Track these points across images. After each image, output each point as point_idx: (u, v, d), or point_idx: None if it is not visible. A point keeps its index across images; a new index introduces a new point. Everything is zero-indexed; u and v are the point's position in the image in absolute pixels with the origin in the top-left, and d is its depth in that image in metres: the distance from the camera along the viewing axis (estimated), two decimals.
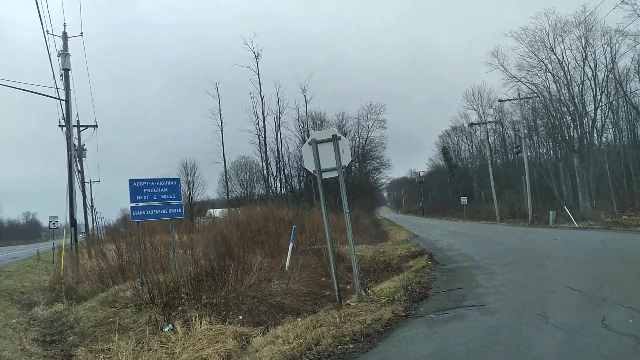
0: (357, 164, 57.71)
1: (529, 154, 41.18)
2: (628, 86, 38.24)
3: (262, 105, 48.43)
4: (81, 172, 32.34)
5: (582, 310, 6.48)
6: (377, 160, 61.49)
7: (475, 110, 60.65)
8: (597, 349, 4.83)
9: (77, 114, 32.92)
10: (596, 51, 38.08)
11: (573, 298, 7.35)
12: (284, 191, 51.92)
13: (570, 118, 40.60)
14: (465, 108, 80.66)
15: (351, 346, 5.76)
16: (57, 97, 20.32)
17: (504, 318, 6.45)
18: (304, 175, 50.48)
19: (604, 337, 5.16)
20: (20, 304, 12.99)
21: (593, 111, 39.04)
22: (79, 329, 9.53)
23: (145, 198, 12.64)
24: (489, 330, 5.90)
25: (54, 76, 20.46)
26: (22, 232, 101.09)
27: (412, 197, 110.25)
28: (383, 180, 72.17)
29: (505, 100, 42.50)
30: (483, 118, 57.26)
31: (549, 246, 15.89)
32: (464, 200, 51.24)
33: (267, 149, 49.39)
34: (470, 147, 72.33)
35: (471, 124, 60.89)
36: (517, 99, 37.99)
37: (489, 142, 56.84)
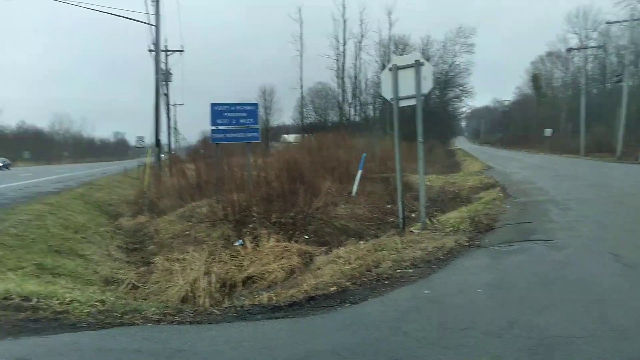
0: (437, 91, 55.41)
1: (631, 83, 37.38)
2: None
3: (344, 28, 47.28)
4: (167, 95, 33.72)
5: None
6: (460, 88, 58.50)
7: (577, 33, 55.22)
8: None
9: (166, 39, 33.92)
10: None
11: None
12: (357, 119, 51.51)
13: None
14: (565, 32, 73.38)
15: (410, 271, 5.87)
16: (148, 22, 20.95)
17: (571, 254, 6.24)
18: (380, 102, 49.54)
19: None
20: (108, 214, 14.28)
21: None
22: (158, 239, 10.41)
23: (225, 122, 13.15)
24: (554, 265, 5.76)
25: (145, 1, 21.00)
26: (112, 149, 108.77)
27: (493, 127, 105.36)
28: (463, 109, 69.28)
29: (614, 22, 37.82)
30: (585, 42, 52.18)
31: (634, 184, 14.84)
32: (548, 132, 48.19)
33: (345, 75, 48.69)
34: (564, 75, 66.84)
35: (569, 49, 55.65)
36: (628, 20, 33.92)
37: (586, 69, 52.16)
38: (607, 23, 40.58)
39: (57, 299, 4.76)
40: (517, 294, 4.79)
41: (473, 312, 4.35)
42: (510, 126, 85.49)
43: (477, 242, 7.24)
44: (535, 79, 73.88)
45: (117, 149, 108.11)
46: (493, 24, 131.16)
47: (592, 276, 5.20)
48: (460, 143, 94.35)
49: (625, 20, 34.58)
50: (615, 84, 41.72)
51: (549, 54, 67.51)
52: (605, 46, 49.24)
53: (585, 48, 50.66)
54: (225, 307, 5.20)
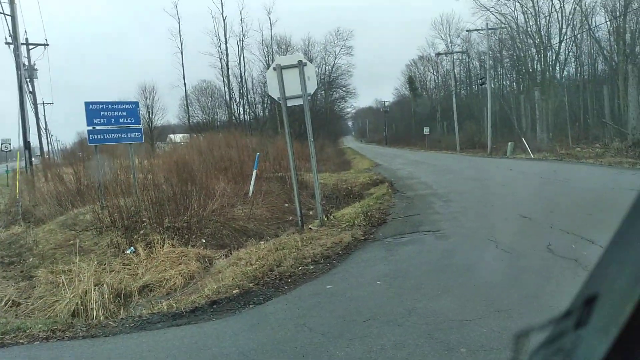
0: (322, 92, 56.80)
1: (492, 85, 41.57)
2: (593, 20, 38.41)
3: (225, 26, 46.55)
4: (33, 93, 30.68)
5: (530, 237, 6.87)
6: (343, 89, 60.69)
7: (443, 39, 59.97)
8: (540, 271, 5.17)
9: (25, 31, 30.78)
10: None
11: (523, 225, 7.75)
12: (247, 118, 51.10)
13: (535, 50, 40.84)
14: (433, 37, 79.67)
15: (311, 267, 5.97)
16: (1, 10, 18.83)
17: (457, 243, 6.78)
18: (268, 102, 49.57)
19: (547, 261, 5.52)
20: None
21: (557, 44, 39.33)
22: (39, 251, 9.47)
23: (102, 122, 12.24)
24: (443, 253, 6.21)
25: None
26: None
27: (377, 126, 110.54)
28: (348, 110, 72.02)
29: (473, 30, 42.07)
30: (450, 48, 56.89)
31: (504, 176, 16.49)
32: (426, 130, 51.72)
33: (230, 73, 48.01)
34: (435, 77, 72.26)
35: (438, 54, 60.37)
36: (484, 29, 37.74)
37: (454, 72, 56.78)
38: (467, 31, 44.77)
39: None
40: (413, 282, 5.09)
41: (374, 303, 4.55)
42: (392, 125, 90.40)
43: (372, 236, 7.58)
44: (410, 81, 78.84)
45: None
46: (368, 28, 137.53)
47: (476, 262, 5.70)
48: (349, 142, 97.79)
49: (482, 29, 38.44)
50: (480, 86, 45.91)
51: (421, 57, 72.60)
52: (468, 51, 54.08)
53: (451, 53, 55.32)
54: (122, 318, 4.87)
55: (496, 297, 4.36)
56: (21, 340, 4.00)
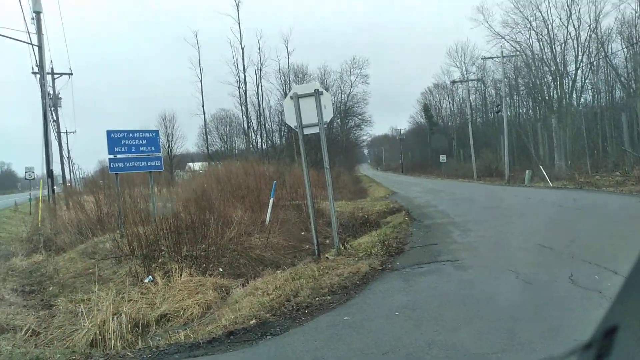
0: (338, 120, 57.34)
1: (508, 113, 41.55)
2: (609, 47, 38.41)
3: (243, 56, 47.49)
4: (57, 121, 31.55)
5: (551, 267, 6.74)
6: (359, 117, 61.16)
7: (458, 67, 60.43)
8: (563, 303, 5.07)
9: (51, 61, 31.79)
10: (581, 9, 38.05)
11: (543, 255, 7.63)
12: (264, 146, 51.64)
13: (551, 78, 40.85)
14: (448, 65, 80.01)
15: (329, 298, 5.93)
16: (30, 41, 19.55)
17: (476, 273, 6.69)
18: (285, 130, 50.12)
19: (570, 292, 5.41)
20: None
21: (574, 71, 39.29)
22: (59, 280, 9.58)
23: (123, 150, 12.49)
24: (462, 284, 6.13)
25: (24, 18, 19.72)
26: None
27: (393, 154, 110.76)
28: (364, 137, 72.20)
29: (488, 58, 42.34)
30: (465, 76, 57.18)
31: (523, 204, 16.31)
32: (443, 158, 51.67)
33: (248, 102, 48.77)
34: (451, 105, 72.45)
35: (453, 82, 60.70)
36: (500, 57, 37.92)
37: (470, 100, 57.04)
38: (482, 58, 45.07)
39: None
40: (432, 314, 5.02)
41: (392, 335, 4.49)
42: (409, 153, 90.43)
43: (389, 266, 7.51)
44: (426, 109, 79.20)
45: (4, 181, 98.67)
46: (382, 56, 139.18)
47: (497, 293, 5.60)
48: (365, 170, 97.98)
49: (497, 57, 38.66)
50: (496, 114, 45.87)
51: (436, 85, 73.05)
52: (483, 79, 54.29)
53: (467, 81, 55.62)
54: (140, 349, 4.88)
55: (518, 330, 4.28)
56: None
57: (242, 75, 47.76)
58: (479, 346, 4.01)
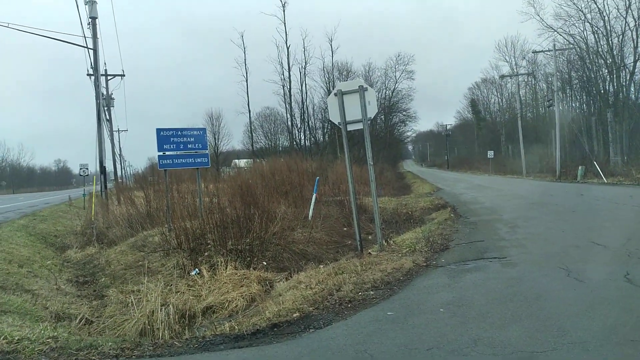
0: (382, 117, 56.79)
1: (561, 107, 39.99)
2: None
3: (288, 55, 47.83)
4: (109, 120, 32.77)
5: (605, 265, 6.46)
6: (404, 113, 60.52)
7: (507, 62, 58.62)
8: (619, 302, 4.83)
9: (105, 63, 33.08)
10: None
11: (596, 252, 7.31)
12: (307, 143, 51.90)
13: (606, 71, 38.93)
14: (497, 59, 77.62)
15: (372, 293, 5.89)
16: (85, 45, 20.43)
17: (524, 270, 6.47)
18: (328, 127, 50.19)
19: (626, 291, 5.16)
20: (54, 246, 13.58)
21: (632, 64, 37.27)
22: (110, 271, 9.97)
23: (172, 147, 12.85)
24: (509, 281, 5.94)
25: (81, 24, 20.61)
26: (54, 178, 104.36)
27: (438, 150, 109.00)
28: (409, 133, 71.36)
29: (539, 52, 40.88)
30: (515, 70, 55.41)
31: (575, 201, 15.67)
32: (490, 154, 50.33)
33: (292, 100, 49.13)
34: (500, 100, 70.37)
35: (502, 76, 59.14)
36: (552, 50, 36.48)
37: (519, 94, 55.10)
38: (533, 52, 43.52)
39: (5, 338, 4.43)
40: (477, 311, 4.89)
41: (437, 331, 4.40)
42: (455, 149, 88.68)
43: (434, 262, 7.39)
44: (473, 104, 77.39)
45: (59, 177, 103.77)
46: (433, 49, 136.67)
47: (547, 291, 5.40)
48: (409, 166, 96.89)
49: (549, 50, 37.18)
50: (547, 109, 44.21)
51: (484, 80, 71.11)
52: (534, 73, 52.40)
53: (516, 75, 53.83)
54: (186, 339, 5.00)
55: (569, 328, 4.11)
56: (93, 357, 4.18)
57: (286, 73, 48.17)
58: (527, 344, 3.87)
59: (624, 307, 4.66)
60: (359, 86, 8.49)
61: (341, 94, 8.53)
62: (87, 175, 28.57)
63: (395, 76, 56.57)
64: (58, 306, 7.10)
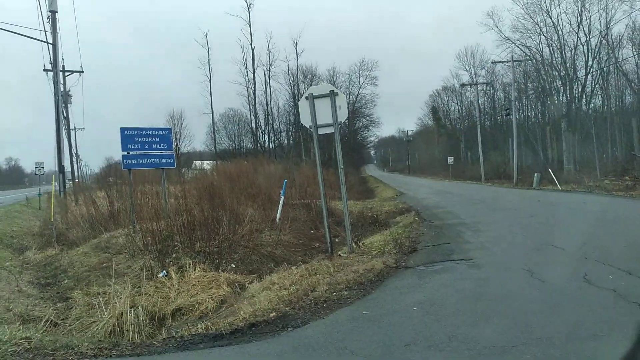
0: (346, 121, 57.23)
1: (517, 116, 41.48)
2: (620, 53, 38.29)
3: (253, 56, 47.72)
4: (67, 118, 31.76)
5: (565, 266, 6.79)
6: (367, 118, 61.29)
7: (467, 71, 60.54)
8: (579, 301, 5.13)
9: (62, 59, 32.05)
10: (591, 16, 37.81)
11: (556, 255, 7.67)
12: (272, 145, 51.79)
13: (560, 82, 40.71)
14: (457, 68, 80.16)
15: (346, 293, 6.01)
16: (45, 40, 19.80)
17: (490, 272, 6.74)
18: (293, 130, 50.32)
19: (585, 291, 5.46)
20: (11, 248, 13.08)
21: (583, 77, 39.14)
22: (73, 273, 9.69)
23: (136, 147, 12.64)
24: (477, 282, 6.18)
25: (41, 17, 20.02)
26: (5, 177, 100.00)
27: (399, 155, 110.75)
28: (371, 139, 72.37)
29: (498, 62, 42.42)
30: (474, 79, 57.15)
31: (533, 207, 16.31)
32: (450, 160, 51.53)
33: (257, 102, 48.95)
34: (459, 107, 72.26)
35: (462, 85, 60.78)
36: (509, 61, 37.91)
37: (478, 103, 56.78)
38: (492, 62, 45.11)
39: None
40: (450, 310, 5.08)
41: (412, 328, 4.56)
42: (415, 154, 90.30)
43: (403, 264, 7.58)
44: (434, 111, 79.11)
45: (10, 176, 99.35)
46: (395, 57, 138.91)
47: (512, 291, 5.65)
48: (371, 170, 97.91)
49: (507, 61, 38.68)
50: (505, 117, 45.77)
51: (445, 88, 72.92)
52: (492, 83, 54.23)
53: (476, 84, 55.51)
54: (164, 339, 4.96)
55: (536, 325, 4.34)
56: (71, 357, 4.12)
57: (251, 75, 48.03)
58: (499, 340, 4.07)
59: (585, 305, 4.94)
60: (330, 91, 8.66)
61: (312, 98, 8.65)
62: (43, 174, 27.62)
63: (359, 82, 57.41)
64: (22, 308, 6.88)
